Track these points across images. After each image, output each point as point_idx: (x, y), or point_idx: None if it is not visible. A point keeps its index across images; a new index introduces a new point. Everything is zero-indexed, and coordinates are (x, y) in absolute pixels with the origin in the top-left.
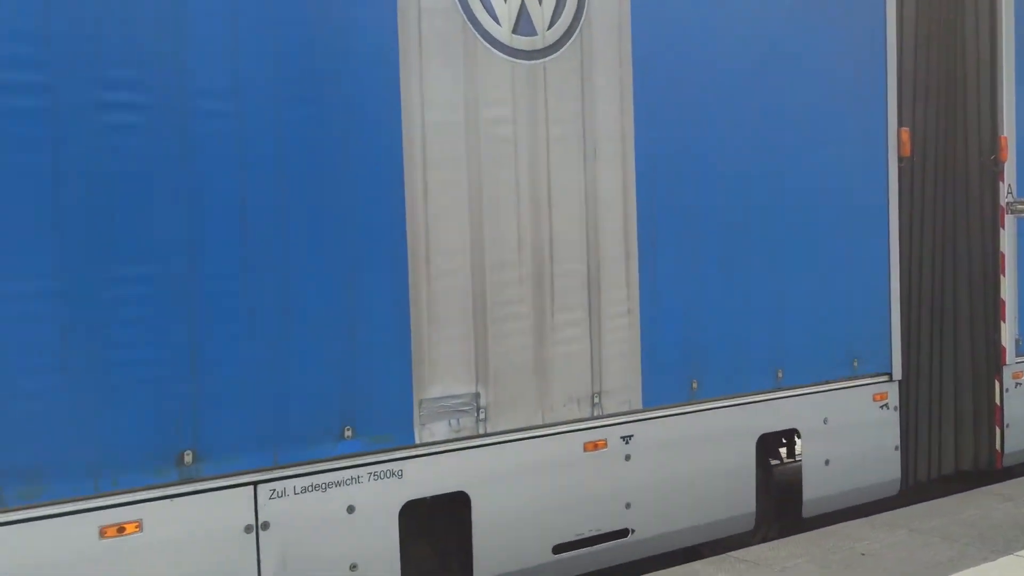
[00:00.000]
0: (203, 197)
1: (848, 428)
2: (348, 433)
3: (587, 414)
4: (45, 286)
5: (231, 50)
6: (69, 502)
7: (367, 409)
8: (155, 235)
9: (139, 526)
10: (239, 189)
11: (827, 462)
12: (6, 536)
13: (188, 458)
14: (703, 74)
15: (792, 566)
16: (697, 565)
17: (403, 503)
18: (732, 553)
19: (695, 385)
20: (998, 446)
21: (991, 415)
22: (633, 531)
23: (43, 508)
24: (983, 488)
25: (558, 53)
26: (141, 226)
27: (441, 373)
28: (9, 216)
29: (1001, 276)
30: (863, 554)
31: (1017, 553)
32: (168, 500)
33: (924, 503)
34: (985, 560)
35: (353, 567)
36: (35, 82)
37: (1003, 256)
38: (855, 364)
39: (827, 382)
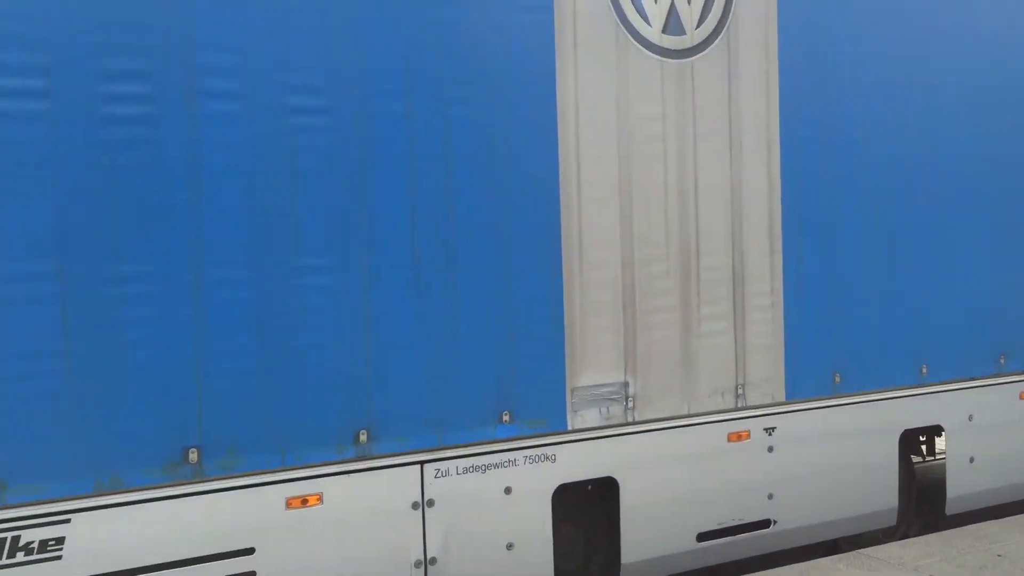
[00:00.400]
0: (378, 194)
1: (994, 426)
2: (506, 418)
3: (731, 405)
4: (241, 276)
5: (403, 54)
6: (260, 474)
7: (523, 395)
8: (336, 230)
9: (320, 498)
10: (409, 186)
11: (972, 460)
12: (205, 503)
13: (363, 437)
14: (851, 68)
15: (925, 565)
16: (826, 561)
17: (556, 486)
18: (864, 550)
19: (838, 378)
20: None
21: None
22: (775, 522)
23: (238, 479)
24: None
25: (706, 51)
26: (324, 221)
27: (592, 362)
28: (215, 214)
29: None
30: (999, 555)
31: None
32: (345, 476)
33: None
34: None
35: (509, 546)
36: (230, 90)
37: None
38: (1001, 361)
39: (972, 378)
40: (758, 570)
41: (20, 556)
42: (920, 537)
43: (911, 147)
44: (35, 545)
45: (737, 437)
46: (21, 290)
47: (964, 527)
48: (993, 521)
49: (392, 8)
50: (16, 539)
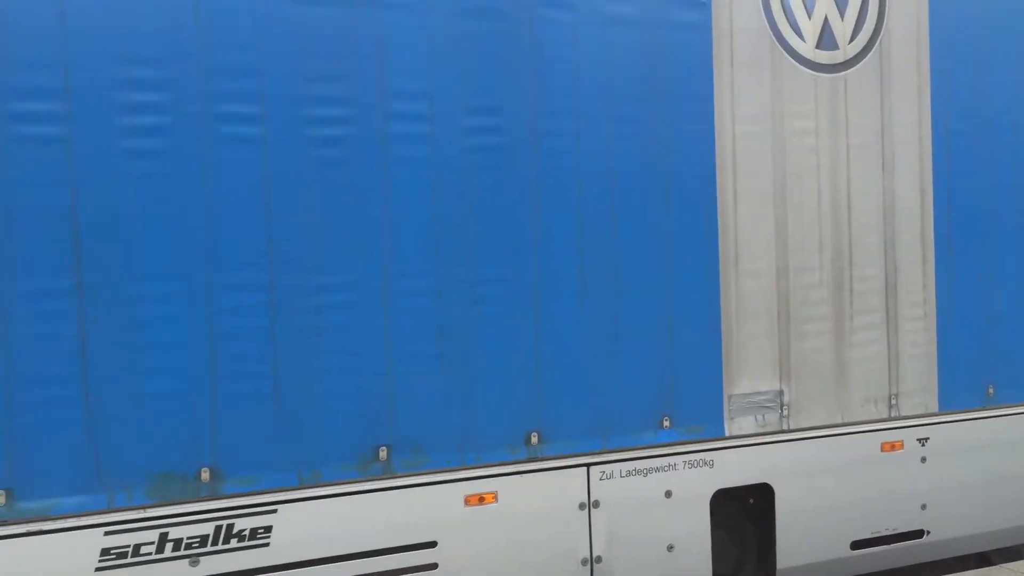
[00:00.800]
0: (547, 209)
1: None
2: (666, 423)
3: (884, 415)
4: (426, 284)
5: (574, 74)
6: (442, 472)
7: (682, 401)
8: (509, 241)
9: (495, 497)
10: (576, 202)
11: None
12: (392, 498)
13: (535, 439)
14: (1005, 73)
15: None
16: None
17: (714, 491)
18: (1007, 565)
19: (991, 390)
20: None
21: None
22: (928, 532)
23: (421, 476)
24: None
25: (858, 65)
26: (497, 235)
27: (748, 370)
28: (404, 228)
29: None
30: None
31: None
32: (518, 476)
33: None
34: None
35: (670, 547)
36: (419, 111)
37: None
38: None
39: None
40: None
41: (233, 542)
42: None
43: None
44: (247, 532)
45: (890, 447)
46: (238, 299)
47: None
48: None
49: (567, 31)
50: (231, 526)
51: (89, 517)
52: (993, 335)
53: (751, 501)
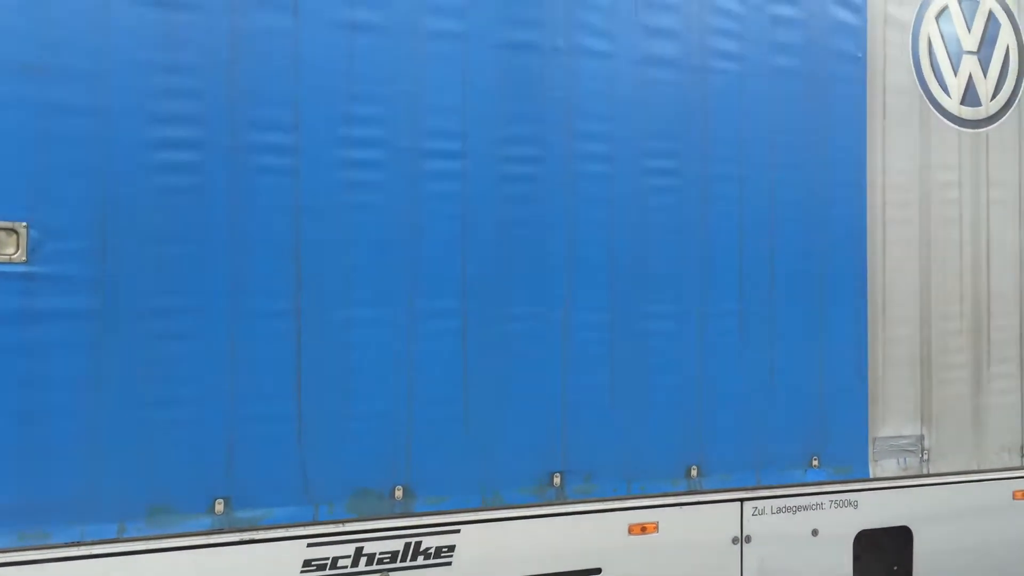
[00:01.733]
0: (711, 250)
1: None
2: (815, 463)
3: (1017, 463)
4: (601, 319)
5: (738, 127)
6: (609, 500)
7: (830, 442)
8: (678, 278)
9: (656, 527)
10: (738, 245)
11: None
12: (565, 523)
13: (694, 472)
14: None
15: None
16: None
17: (857, 531)
18: None
19: None
20: None
21: None
22: None
23: (590, 503)
24: None
25: (999, 122)
26: (667, 271)
27: (892, 414)
28: (583, 263)
29: None
30: None
31: None
32: (678, 507)
33: None
34: None
35: None
36: (602, 153)
37: None
38: None
39: None
40: None
41: (420, 560)
42: None
43: None
44: (432, 551)
45: (1022, 495)
46: (435, 326)
47: None
48: None
49: (735, 83)
50: (419, 544)
51: (296, 528)
52: None
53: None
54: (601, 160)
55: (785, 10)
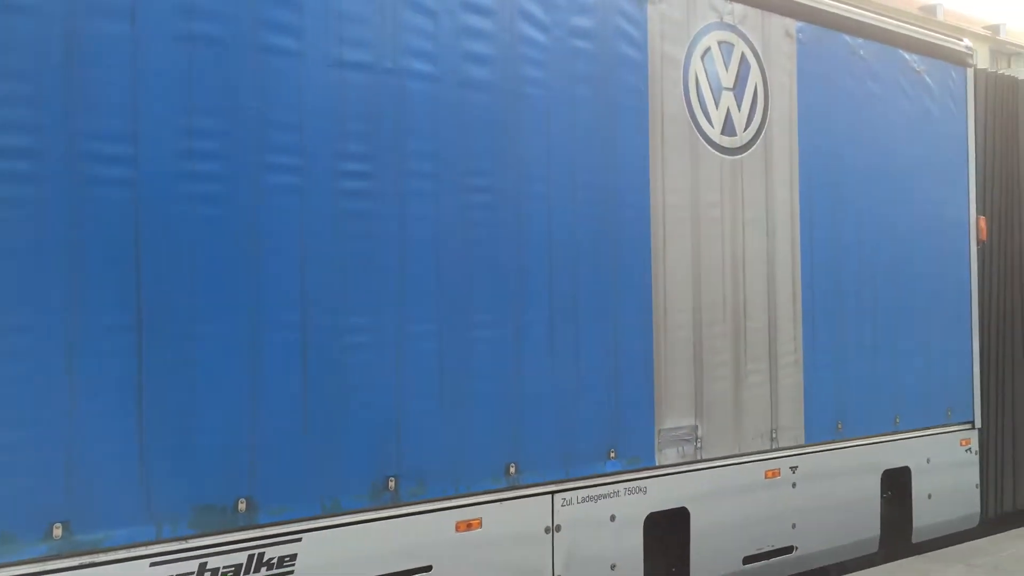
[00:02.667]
0: (528, 260)
1: (944, 467)
2: (612, 455)
3: (768, 447)
4: (430, 329)
5: (547, 149)
6: (439, 500)
7: (624, 436)
8: (497, 289)
9: (480, 523)
10: (547, 257)
11: (930, 496)
12: (396, 526)
13: (512, 469)
14: (843, 169)
15: None
16: None
17: (646, 515)
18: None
19: (840, 426)
20: None
21: None
22: (796, 548)
23: (421, 504)
24: (1013, 531)
25: (750, 150)
26: (491, 282)
27: (672, 408)
28: (416, 275)
29: None
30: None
31: None
32: (499, 503)
33: (968, 543)
34: None
35: (613, 567)
36: (430, 171)
37: None
38: (948, 413)
39: (929, 428)
40: None
41: (263, 571)
42: (866, 571)
43: (888, 233)
44: (275, 561)
45: (772, 474)
46: (277, 338)
47: (899, 561)
48: (918, 557)
49: (542, 107)
50: (261, 555)
51: (138, 548)
52: (843, 380)
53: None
54: (428, 178)
55: (582, 44)
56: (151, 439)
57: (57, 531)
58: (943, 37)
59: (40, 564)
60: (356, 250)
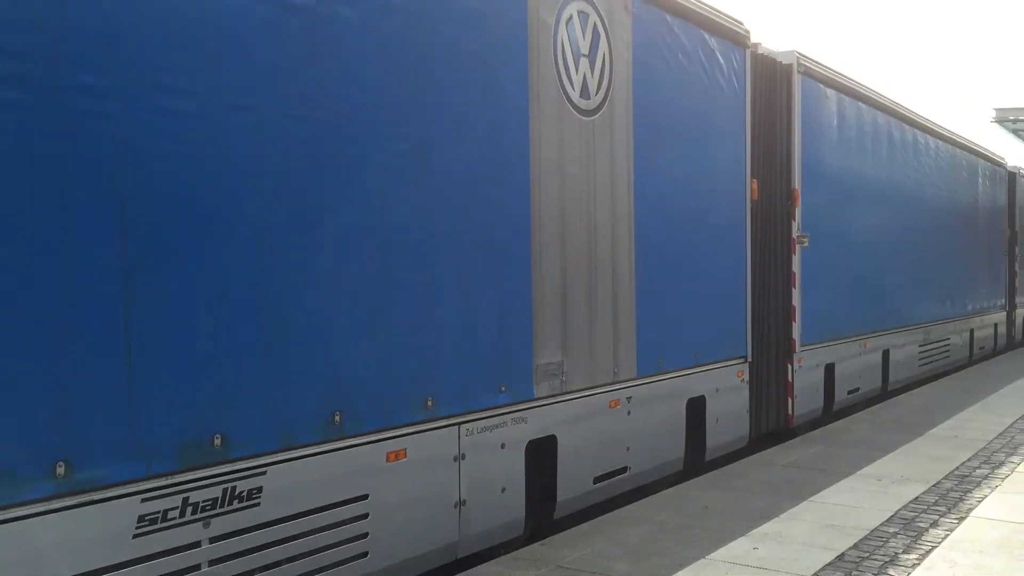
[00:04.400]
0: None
1: (726, 396)
2: (503, 389)
3: (610, 379)
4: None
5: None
6: (374, 432)
7: (511, 372)
8: None
9: (405, 453)
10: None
11: (717, 420)
12: (342, 456)
13: (430, 403)
14: (662, 134)
15: (662, 520)
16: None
17: (527, 441)
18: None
19: (660, 362)
20: (790, 411)
21: (786, 389)
22: (629, 468)
23: (362, 437)
24: (757, 456)
25: (600, 113)
26: None
27: (546, 346)
28: None
29: (793, 289)
30: (706, 506)
31: (809, 499)
32: (419, 434)
33: (718, 470)
34: (791, 506)
35: (503, 490)
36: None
37: (794, 275)
38: (730, 349)
39: (717, 362)
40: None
41: (235, 504)
42: (647, 499)
43: (693, 195)
44: (244, 494)
45: (614, 404)
46: None
47: (674, 488)
48: (686, 483)
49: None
50: (233, 488)
51: (131, 485)
52: (660, 322)
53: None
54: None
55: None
56: (140, 383)
57: (60, 469)
58: (729, 19)
59: (44, 504)
60: None
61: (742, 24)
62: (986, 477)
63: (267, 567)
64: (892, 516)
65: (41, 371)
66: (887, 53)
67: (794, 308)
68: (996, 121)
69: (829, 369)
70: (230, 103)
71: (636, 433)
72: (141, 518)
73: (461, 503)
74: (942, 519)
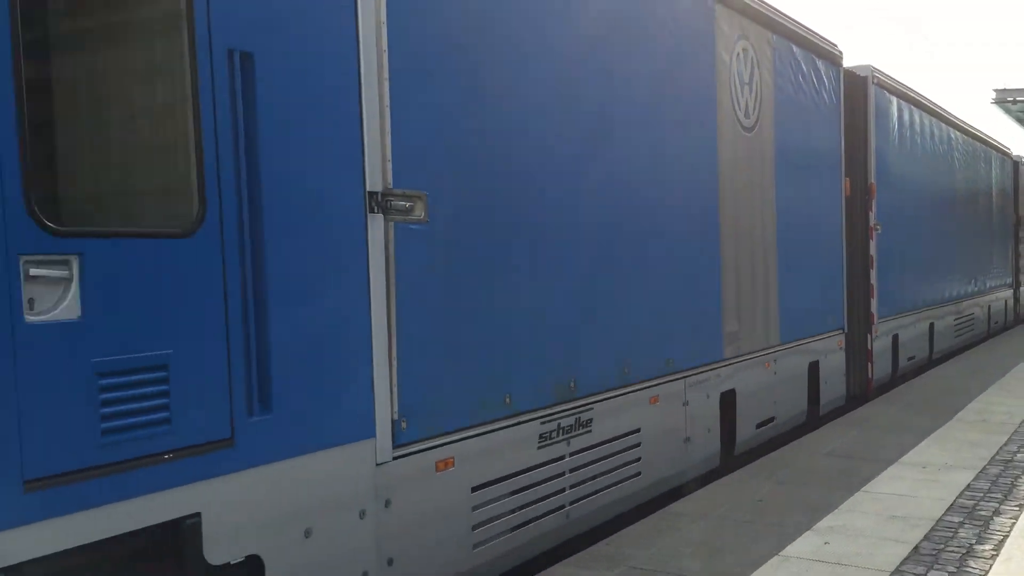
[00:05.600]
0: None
1: (831, 360)
2: (707, 351)
3: (769, 344)
4: None
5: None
6: (643, 382)
7: (711, 338)
8: None
9: (658, 399)
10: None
11: (826, 381)
12: (628, 397)
13: (671, 362)
14: (790, 147)
15: (720, 514)
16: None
17: (720, 392)
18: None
19: (792, 332)
20: (870, 375)
21: (866, 356)
22: (775, 417)
23: (639, 384)
24: (794, 443)
25: (755, 129)
26: None
27: (729, 316)
28: None
29: (871, 270)
30: (760, 499)
31: (863, 489)
32: (665, 384)
33: (759, 460)
34: (845, 496)
35: (708, 430)
36: None
37: (872, 258)
38: (833, 320)
39: (826, 332)
40: None
41: (580, 430)
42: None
43: (816, 183)
44: (585, 422)
45: (768, 365)
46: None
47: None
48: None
49: None
50: (579, 418)
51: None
52: (800, 300)
53: None
54: None
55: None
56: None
57: (507, 400)
58: (829, 43)
59: (503, 421)
60: None
61: (836, 46)
62: None
63: (593, 477)
64: (952, 505)
65: (498, 344)
66: (888, 33)
67: (872, 286)
68: (996, 102)
69: (895, 339)
70: None
71: (780, 389)
72: (540, 435)
73: (687, 439)
74: (1001, 506)
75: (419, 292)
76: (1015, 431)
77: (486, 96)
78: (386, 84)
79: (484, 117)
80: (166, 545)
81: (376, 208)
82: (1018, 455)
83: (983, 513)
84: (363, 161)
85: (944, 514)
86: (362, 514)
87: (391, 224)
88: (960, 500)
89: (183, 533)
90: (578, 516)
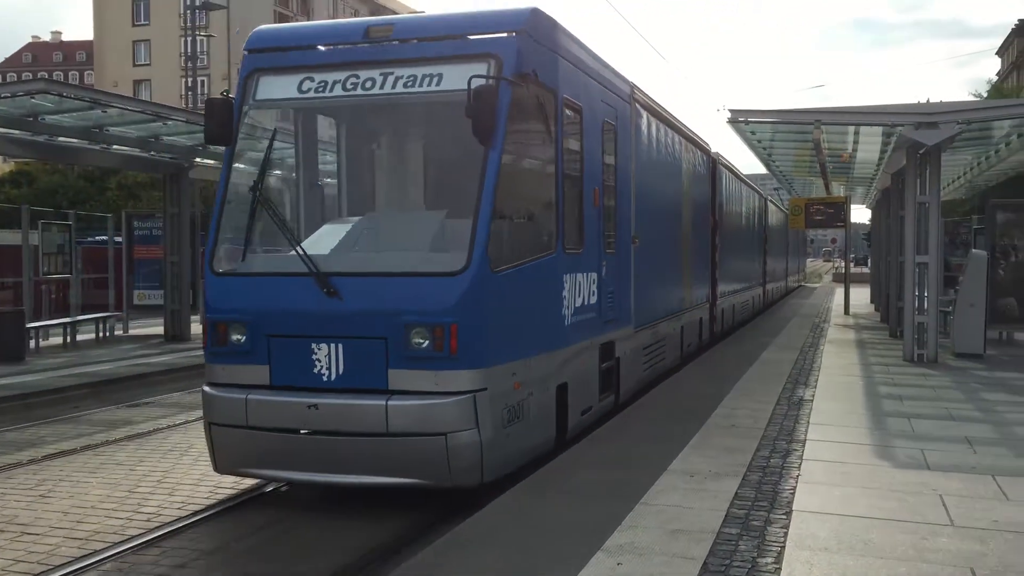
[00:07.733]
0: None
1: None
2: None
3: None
4: None
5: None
6: None
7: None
8: None
9: None
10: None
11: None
12: None
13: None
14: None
15: (507, 539)
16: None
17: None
18: (448, 537)
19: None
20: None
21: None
22: None
23: None
24: (564, 455)
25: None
26: None
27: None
28: None
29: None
30: (543, 517)
31: (641, 502)
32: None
33: (536, 473)
34: (626, 510)
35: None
36: None
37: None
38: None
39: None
40: None
41: (679, 322)
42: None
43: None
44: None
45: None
46: None
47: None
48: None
49: None
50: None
51: None
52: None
53: None
54: None
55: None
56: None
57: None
58: (704, 141)
59: (658, 321)
60: None
61: (709, 144)
62: (783, 468)
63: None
64: (726, 516)
65: (658, 290)
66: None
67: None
68: (730, 122)
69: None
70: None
71: None
72: (671, 323)
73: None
74: (771, 515)
75: (637, 269)
76: (763, 437)
77: (651, 190)
78: (634, 183)
79: (649, 199)
80: (611, 347)
81: (631, 241)
82: (771, 461)
83: (756, 523)
84: (631, 218)
85: (722, 526)
86: (626, 351)
87: (633, 246)
88: (732, 510)
89: (612, 346)
90: (662, 368)
